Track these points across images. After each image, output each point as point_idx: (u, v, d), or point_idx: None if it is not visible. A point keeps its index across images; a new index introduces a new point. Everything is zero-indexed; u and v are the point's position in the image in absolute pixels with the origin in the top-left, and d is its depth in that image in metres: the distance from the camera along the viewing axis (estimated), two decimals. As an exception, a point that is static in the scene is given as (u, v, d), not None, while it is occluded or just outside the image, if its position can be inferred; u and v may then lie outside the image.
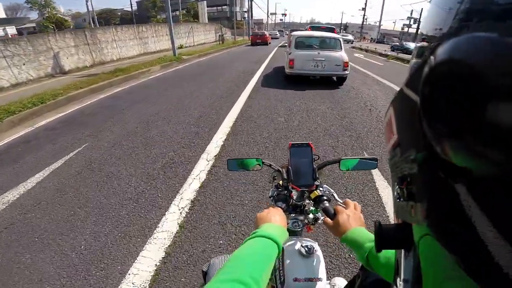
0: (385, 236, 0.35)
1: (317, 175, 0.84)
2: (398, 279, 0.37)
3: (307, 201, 0.86)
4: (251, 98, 5.66)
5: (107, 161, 3.14)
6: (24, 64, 9.09)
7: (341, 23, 65.37)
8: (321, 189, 0.85)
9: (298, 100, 5.53)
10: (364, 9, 48.52)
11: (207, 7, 48.81)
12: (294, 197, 0.85)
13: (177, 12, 31.07)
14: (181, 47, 19.66)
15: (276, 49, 18.50)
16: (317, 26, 17.93)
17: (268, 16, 51.12)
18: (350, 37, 35.55)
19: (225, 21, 48.63)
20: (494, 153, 0.17)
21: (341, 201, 0.80)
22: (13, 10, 50.86)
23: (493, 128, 0.17)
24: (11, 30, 18.79)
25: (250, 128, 4.08)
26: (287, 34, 28.20)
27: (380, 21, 49.99)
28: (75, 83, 6.98)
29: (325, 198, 0.81)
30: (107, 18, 48.44)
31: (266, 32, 26.54)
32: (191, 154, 3.28)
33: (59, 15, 35.65)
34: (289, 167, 0.84)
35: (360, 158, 0.88)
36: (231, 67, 10.54)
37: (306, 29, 16.79)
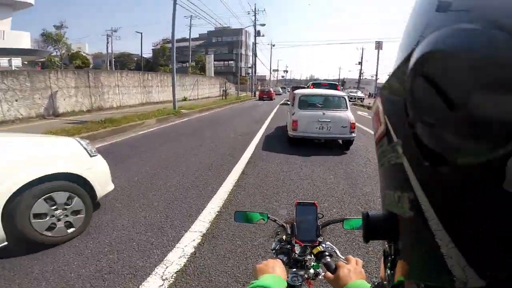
0: (372, 226, 0.35)
1: (320, 232, 0.90)
2: (385, 270, 0.37)
3: (309, 256, 0.88)
4: (245, 174, 4.60)
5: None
6: (16, 101, 8.59)
7: (338, 79, 68.82)
8: (323, 245, 0.88)
9: (303, 175, 4.57)
10: (360, 63, 51.21)
11: (214, 61, 52.33)
12: (297, 251, 0.88)
13: (187, 64, 32.64)
14: (185, 99, 19.96)
15: (278, 106, 18.69)
16: (318, 82, 17.84)
17: (270, 72, 54.41)
18: (359, 93, 29.33)
19: (231, 76, 51.60)
20: (477, 141, 0.18)
21: (343, 258, 0.82)
22: (45, 42, 53.48)
23: (477, 117, 0.17)
24: (17, 62, 18.89)
25: (237, 230, 2.73)
26: (288, 91, 29.23)
27: (376, 75, 49.48)
28: (56, 130, 6.47)
29: (327, 253, 0.84)
30: (124, 62, 50.91)
31: (271, 89, 30.07)
32: (142, 264, 2.21)
33: (83, 53, 37.66)
34: (294, 223, 0.90)
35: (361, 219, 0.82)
36: (230, 125, 10.24)
37: (308, 87, 16.70)
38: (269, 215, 0.99)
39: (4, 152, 2.08)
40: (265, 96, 26.23)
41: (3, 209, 1.97)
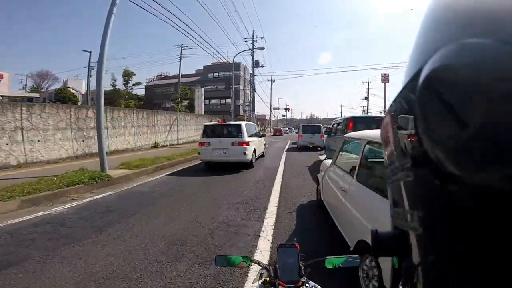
0: (382, 243, 0.35)
1: (303, 273, 0.93)
2: (394, 286, 0.37)
3: None
4: None
5: None
6: None
7: (340, 117, 63.86)
8: (307, 285, 0.92)
9: None
10: (367, 98, 46.19)
11: (212, 98, 48.26)
12: None
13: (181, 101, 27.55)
14: (155, 146, 14.00)
15: (284, 155, 12.68)
16: (366, 117, 15.14)
17: (271, 111, 49.83)
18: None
19: (228, 115, 46.63)
20: (490, 160, 0.17)
21: None
22: (41, 77, 49.45)
23: (490, 136, 0.17)
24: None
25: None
26: (296, 132, 27.28)
27: (384, 110, 45.99)
28: None
29: None
30: (114, 99, 46.56)
31: (281, 128, 43.72)
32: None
33: (71, 89, 33.50)
34: (277, 265, 0.93)
35: (343, 257, 0.97)
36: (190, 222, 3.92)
37: (344, 125, 13.60)
38: (251, 258, 1.01)
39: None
40: (277, 132, 37.79)
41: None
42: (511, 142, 0.16)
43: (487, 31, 0.19)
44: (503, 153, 0.17)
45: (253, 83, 27.85)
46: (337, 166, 3.46)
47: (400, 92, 0.31)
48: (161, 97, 41.10)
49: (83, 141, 10.58)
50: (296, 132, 26.87)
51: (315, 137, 15.06)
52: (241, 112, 36.29)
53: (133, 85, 32.64)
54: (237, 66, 38.95)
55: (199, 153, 8.42)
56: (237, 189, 6.20)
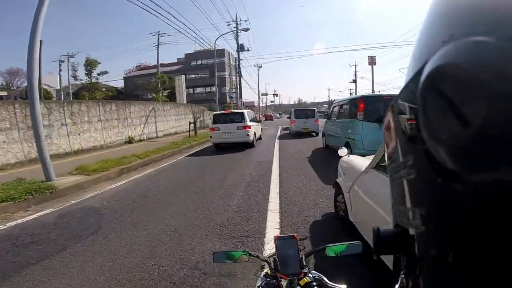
0: (383, 241, 0.35)
1: (304, 263, 0.89)
2: (396, 284, 0.37)
3: None
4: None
5: None
6: None
7: (328, 100, 62.49)
8: (310, 275, 0.87)
9: None
10: (355, 81, 44.91)
11: (195, 87, 45.84)
12: (284, 286, 0.85)
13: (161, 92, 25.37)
14: (130, 141, 12.21)
15: (277, 144, 11.19)
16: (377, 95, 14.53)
17: (259, 97, 47.95)
18: None
19: (214, 103, 44.40)
20: (492, 158, 0.17)
21: (332, 284, 0.84)
22: (11, 75, 45.73)
23: (492, 134, 0.17)
24: None
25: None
26: (287, 117, 25.79)
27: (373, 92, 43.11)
28: None
29: (314, 284, 0.83)
30: (94, 91, 43.76)
31: (272, 114, 47.64)
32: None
33: (44, 85, 30.71)
34: (276, 257, 0.90)
35: (344, 244, 0.94)
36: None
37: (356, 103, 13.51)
38: (250, 252, 0.98)
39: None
40: (268, 118, 40.30)
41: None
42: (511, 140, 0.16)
43: (490, 29, 0.19)
44: (505, 152, 0.17)
45: (239, 68, 25.94)
46: (381, 172, 2.03)
47: (402, 89, 0.30)
48: (141, 88, 38.75)
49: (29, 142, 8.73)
50: (288, 117, 25.49)
51: (309, 122, 14.13)
52: (228, 99, 34.41)
53: (98, 74, 29.89)
54: (221, 52, 36.64)
55: (211, 137, 10.26)
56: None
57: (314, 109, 15.22)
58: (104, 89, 43.83)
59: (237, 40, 25.78)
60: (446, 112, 0.20)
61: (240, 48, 26.45)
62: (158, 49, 29.49)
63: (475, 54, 0.18)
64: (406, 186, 0.30)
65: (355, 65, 47.23)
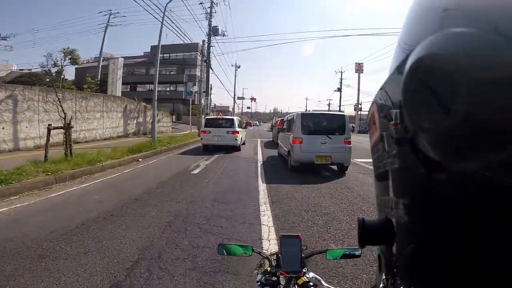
0: (368, 232, 0.34)
1: (304, 263, 0.91)
2: (380, 276, 0.37)
3: (294, 287, 0.88)
4: None
5: None
6: None
7: (306, 111, 57.75)
8: (308, 276, 0.91)
9: None
10: (339, 89, 40.32)
11: (160, 84, 38.60)
12: (282, 283, 0.88)
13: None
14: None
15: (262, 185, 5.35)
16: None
17: (235, 101, 41.84)
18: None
19: (180, 104, 38.00)
20: (474, 146, 0.18)
21: (328, 286, 0.89)
22: None
23: (473, 121, 0.17)
24: None
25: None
26: (271, 125, 23.40)
27: (358, 103, 37.07)
28: None
29: (311, 284, 0.88)
30: (30, 83, 35.12)
31: (250, 122, 48.61)
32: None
33: None
34: (279, 255, 0.91)
35: (345, 249, 0.98)
36: None
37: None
38: (253, 248, 1.00)
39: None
40: (247, 125, 34.23)
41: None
42: (493, 129, 0.16)
43: (471, 21, 0.19)
44: (485, 140, 0.17)
45: (208, 56, 19.61)
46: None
47: (386, 81, 0.31)
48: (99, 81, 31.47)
49: None
50: (270, 129, 20.75)
51: (334, 142, 6.45)
52: (189, 96, 27.68)
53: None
54: (194, 46, 30.07)
55: (201, 138, 11.08)
56: None
57: (344, 116, 7.13)
58: (48, 79, 34.93)
59: (209, 20, 19.54)
60: (428, 101, 0.20)
61: (213, 31, 20.23)
62: (105, 31, 22.43)
63: (456, 45, 0.19)
64: (390, 176, 0.30)
65: (341, 72, 42.98)
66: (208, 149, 10.86)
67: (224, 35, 21.23)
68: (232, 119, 11.21)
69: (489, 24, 0.18)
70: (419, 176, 0.24)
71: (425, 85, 0.21)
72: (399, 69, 0.26)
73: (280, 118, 14.53)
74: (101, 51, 22.59)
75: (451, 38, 0.19)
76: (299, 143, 6.42)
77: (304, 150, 6.35)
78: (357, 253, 0.97)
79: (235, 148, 10.81)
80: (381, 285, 0.37)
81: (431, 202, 0.23)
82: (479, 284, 0.19)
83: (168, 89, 37.42)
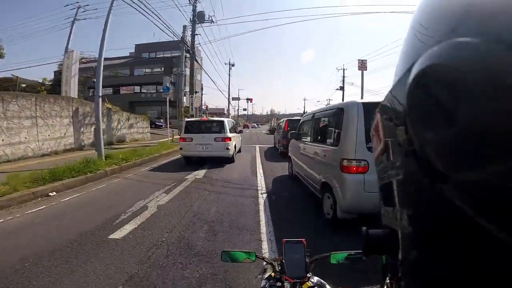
0: (372, 242, 0.35)
1: (309, 268, 0.91)
2: (385, 283, 0.38)
3: None
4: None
5: None
6: None
7: (304, 112, 54.59)
8: (313, 280, 0.89)
9: None
10: (342, 88, 36.87)
11: (145, 85, 35.16)
12: None
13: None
14: None
15: None
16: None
17: (229, 102, 38.22)
18: None
19: (169, 107, 34.14)
20: (478, 156, 0.18)
21: None
22: None
23: (478, 132, 0.17)
24: None
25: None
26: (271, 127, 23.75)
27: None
28: None
29: None
30: (7, 87, 31.61)
31: (248, 124, 53.99)
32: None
33: None
34: (283, 260, 0.91)
35: (348, 252, 0.95)
36: None
37: None
38: (256, 254, 0.99)
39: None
40: (245, 127, 42.11)
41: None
42: (498, 140, 0.16)
43: (476, 30, 0.19)
44: (490, 152, 0.17)
45: (193, 46, 16.20)
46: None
47: (390, 91, 0.31)
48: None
49: None
50: (271, 130, 19.55)
51: None
52: (187, 103, 24.07)
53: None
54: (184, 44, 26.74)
55: (181, 148, 8.15)
56: None
57: None
58: (24, 85, 31.43)
59: (194, 4, 16.10)
60: (433, 112, 0.20)
61: (198, 17, 16.82)
62: (72, 26, 19.03)
63: (461, 55, 0.19)
64: (394, 186, 0.30)
65: (343, 69, 39.72)
66: (190, 163, 8.03)
67: (212, 21, 17.82)
68: (222, 122, 8.31)
69: (495, 34, 0.18)
70: (423, 187, 0.24)
71: (429, 95, 0.21)
72: (402, 79, 0.26)
73: (285, 119, 11.05)
74: (66, 47, 19.03)
75: (455, 48, 0.19)
76: (361, 171, 2.80)
77: (371, 189, 2.72)
78: (361, 255, 0.89)
79: (227, 160, 8.02)
80: None
81: (436, 212, 0.23)
82: None
83: (154, 90, 33.86)
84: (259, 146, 13.02)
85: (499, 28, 0.18)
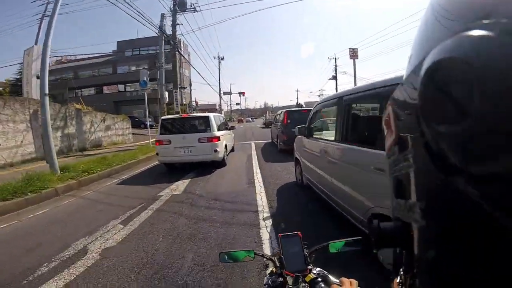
0: (383, 234, 0.34)
1: (309, 260, 0.90)
2: (396, 278, 0.37)
3: (302, 285, 0.87)
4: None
5: None
6: None
7: (297, 103, 52.97)
8: (314, 272, 0.88)
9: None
10: (335, 77, 35.31)
11: (129, 83, 33.10)
12: (290, 282, 0.87)
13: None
14: None
15: None
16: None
17: (220, 96, 36.43)
18: None
19: (157, 105, 32.40)
20: (491, 150, 0.18)
21: (337, 281, 0.82)
22: None
23: (490, 124, 0.17)
24: None
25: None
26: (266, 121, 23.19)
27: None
28: None
29: (320, 280, 0.84)
30: None
31: (243, 119, 56.25)
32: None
33: None
34: (281, 255, 0.90)
35: (345, 240, 0.96)
36: None
37: None
38: (255, 251, 0.98)
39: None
40: (239, 122, 45.58)
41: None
42: (509, 132, 0.16)
43: (491, 23, 0.19)
44: (503, 145, 0.17)
45: (174, 37, 14.52)
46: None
47: (402, 84, 0.31)
48: (52, 86, 26.18)
49: None
50: (265, 125, 20.11)
51: None
52: (172, 99, 22.19)
53: None
54: (170, 40, 24.80)
55: (157, 154, 6.50)
56: None
57: None
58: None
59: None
60: (445, 105, 0.20)
61: (179, 5, 15.12)
62: (41, 23, 17.15)
63: (476, 48, 0.18)
64: (406, 179, 0.30)
65: (335, 59, 38.19)
66: (172, 170, 6.61)
67: (195, 9, 16.11)
68: (207, 118, 6.63)
69: (507, 28, 0.17)
70: (436, 180, 0.24)
71: (441, 89, 0.21)
72: (415, 71, 0.25)
73: (282, 111, 9.49)
74: (35, 44, 17.15)
75: (470, 41, 0.19)
76: None
77: None
78: (358, 242, 0.96)
79: (217, 164, 6.52)
80: (397, 280, 0.37)
81: (448, 205, 0.23)
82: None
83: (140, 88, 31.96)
84: (254, 143, 11.59)
85: None
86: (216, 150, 6.27)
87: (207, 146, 6.24)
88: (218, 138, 6.40)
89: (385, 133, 0.36)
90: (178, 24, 15.14)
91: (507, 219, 0.18)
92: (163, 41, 13.08)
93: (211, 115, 6.88)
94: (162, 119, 6.85)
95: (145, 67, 32.21)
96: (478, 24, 0.19)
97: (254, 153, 8.74)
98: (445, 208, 0.23)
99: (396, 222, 0.34)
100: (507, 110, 0.16)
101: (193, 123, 6.71)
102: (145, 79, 10.71)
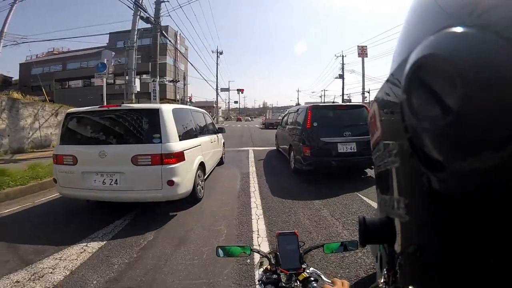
0: (369, 231, 0.34)
1: (303, 259, 0.91)
2: (381, 273, 0.37)
3: (295, 283, 0.88)
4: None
5: None
6: None
7: (297, 103, 50.24)
8: (308, 271, 0.89)
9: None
10: (341, 76, 32.23)
11: (119, 76, 30.43)
12: (283, 280, 0.88)
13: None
14: None
15: None
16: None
17: (217, 93, 33.77)
18: None
19: (148, 99, 29.56)
20: (473, 145, 0.18)
21: (329, 281, 0.83)
22: None
23: (472, 121, 0.17)
24: None
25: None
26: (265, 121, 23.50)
27: (363, 91, 28.57)
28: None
29: (312, 279, 0.85)
30: None
31: (241, 118, 54.89)
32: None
33: None
34: (277, 253, 0.92)
35: (341, 242, 0.97)
36: None
37: None
38: (251, 247, 0.99)
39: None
40: (239, 120, 48.51)
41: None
42: (490, 128, 0.16)
43: (470, 21, 0.19)
44: (484, 139, 0.17)
45: (158, 14, 11.80)
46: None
47: (387, 81, 0.31)
48: (43, 78, 24.20)
49: None
50: (264, 125, 18.31)
51: None
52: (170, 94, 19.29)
53: None
54: (164, 30, 22.00)
55: (55, 180, 3.46)
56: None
57: None
58: None
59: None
60: (428, 101, 0.20)
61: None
62: (12, 9, 14.31)
63: (455, 44, 0.19)
64: (390, 175, 0.30)
65: (342, 56, 35.38)
66: (93, 207, 3.60)
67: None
68: (155, 112, 3.24)
69: (489, 25, 0.18)
70: (419, 175, 0.24)
71: (425, 85, 0.21)
72: (400, 68, 0.26)
73: (302, 107, 5.83)
74: (1, 31, 14.30)
75: (450, 38, 0.19)
76: None
77: None
78: (354, 245, 0.97)
79: (178, 202, 3.34)
80: (381, 281, 0.36)
81: (431, 201, 0.23)
82: (480, 283, 0.19)
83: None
84: (253, 150, 8.79)
85: (494, 19, 0.18)
86: (172, 181, 3.13)
87: (152, 174, 3.10)
88: (180, 156, 3.26)
89: (370, 130, 0.36)
90: (163, 1, 12.32)
91: (488, 213, 0.18)
92: (138, 16, 10.22)
93: (165, 108, 3.40)
94: (68, 114, 3.52)
95: (138, 58, 29.67)
96: (459, 21, 0.20)
97: (252, 170, 5.78)
98: (427, 203, 0.23)
99: (382, 218, 0.34)
100: (488, 106, 0.16)
101: (125, 124, 3.29)
102: (104, 62, 7.87)
